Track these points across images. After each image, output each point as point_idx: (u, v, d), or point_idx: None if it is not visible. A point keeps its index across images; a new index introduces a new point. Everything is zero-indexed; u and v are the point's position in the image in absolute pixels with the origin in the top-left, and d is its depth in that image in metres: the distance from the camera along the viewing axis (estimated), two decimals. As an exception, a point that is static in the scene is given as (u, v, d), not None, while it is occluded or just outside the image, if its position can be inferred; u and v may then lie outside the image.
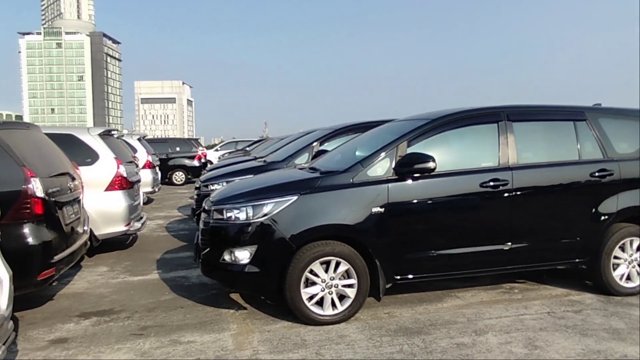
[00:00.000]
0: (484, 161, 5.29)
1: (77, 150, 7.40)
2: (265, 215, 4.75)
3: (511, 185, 5.12)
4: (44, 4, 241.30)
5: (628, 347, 4.15)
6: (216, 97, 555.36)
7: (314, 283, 4.75)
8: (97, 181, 7.43)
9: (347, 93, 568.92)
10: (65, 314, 5.26)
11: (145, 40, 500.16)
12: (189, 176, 22.40)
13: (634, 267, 5.48)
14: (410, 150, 5.05)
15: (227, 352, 4.23)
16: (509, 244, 5.16)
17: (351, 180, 4.89)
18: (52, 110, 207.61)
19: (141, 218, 8.49)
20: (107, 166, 7.64)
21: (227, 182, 7.84)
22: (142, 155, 14.32)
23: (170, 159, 22.42)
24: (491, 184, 5.09)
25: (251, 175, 7.38)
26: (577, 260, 5.42)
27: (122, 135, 13.34)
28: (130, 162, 9.21)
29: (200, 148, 24.50)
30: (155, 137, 34.62)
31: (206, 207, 5.37)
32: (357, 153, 5.58)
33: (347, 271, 4.79)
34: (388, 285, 4.96)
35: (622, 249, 5.45)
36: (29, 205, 4.80)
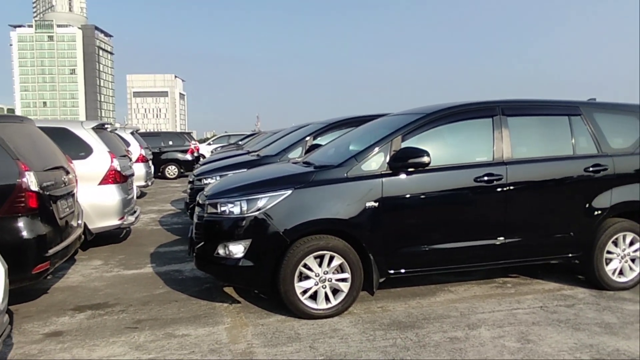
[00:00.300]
0: (478, 156, 5.30)
1: (70, 144, 7.36)
2: (259, 209, 4.75)
3: (505, 180, 5.13)
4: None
5: (620, 342, 4.18)
6: (209, 91, 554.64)
7: (307, 277, 4.76)
8: (90, 175, 7.40)
9: (340, 87, 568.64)
10: (60, 307, 5.25)
11: (137, 34, 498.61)
12: (182, 170, 22.37)
13: (626, 261, 5.51)
14: (404, 144, 5.05)
15: (221, 345, 4.24)
16: (503, 238, 5.19)
17: (345, 175, 4.89)
18: (44, 103, 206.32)
19: (135, 212, 8.48)
20: (100, 160, 7.61)
21: (220, 176, 7.84)
22: (135, 149, 14.28)
23: (163, 152, 22.37)
24: (485, 178, 5.10)
25: (245, 170, 7.38)
26: (570, 255, 5.45)
27: (116, 129, 13.30)
28: (124, 155, 9.19)
29: (193, 142, 24.46)
30: (148, 130, 34.46)
31: (200, 201, 5.36)
32: (351, 147, 5.60)
33: (340, 265, 4.81)
34: (381, 280, 4.97)
35: (615, 243, 5.49)
36: (23, 199, 4.78)
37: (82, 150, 7.57)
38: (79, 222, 6.20)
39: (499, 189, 5.14)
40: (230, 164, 8.84)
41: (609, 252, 5.46)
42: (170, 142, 23.02)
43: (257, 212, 4.75)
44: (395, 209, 4.93)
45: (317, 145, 7.55)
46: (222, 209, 4.92)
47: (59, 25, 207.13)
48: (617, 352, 3.99)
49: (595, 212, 5.38)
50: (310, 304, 4.78)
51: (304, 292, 4.77)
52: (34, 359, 4.06)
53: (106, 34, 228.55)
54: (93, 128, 7.95)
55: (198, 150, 24.49)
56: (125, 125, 25.75)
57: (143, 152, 14.72)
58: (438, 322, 4.65)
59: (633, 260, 5.53)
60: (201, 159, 20.16)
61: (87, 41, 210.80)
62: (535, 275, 6.01)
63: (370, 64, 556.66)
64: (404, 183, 4.94)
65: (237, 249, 4.79)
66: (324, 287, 4.79)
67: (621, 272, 5.51)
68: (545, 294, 5.42)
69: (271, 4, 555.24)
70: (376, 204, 4.84)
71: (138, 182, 13.32)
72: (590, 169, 5.39)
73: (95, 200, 7.35)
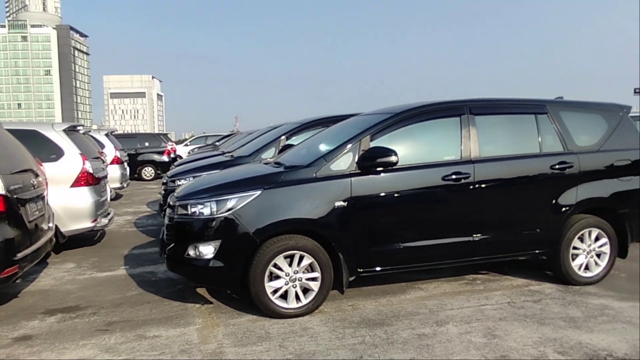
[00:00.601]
0: (446, 154, 5.37)
1: (41, 147, 7.30)
2: (229, 210, 4.77)
3: (473, 178, 5.21)
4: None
5: (583, 335, 4.28)
6: (187, 92, 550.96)
7: (278, 277, 4.79)
8: (62, 177, 7.35)
9: (320, 87, 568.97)
10: (30, 311, 5.21)
11: (113, 34, 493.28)
12: (159, 171, 22.21)
13: (592, 257, 5.63)
14: (373, 144, 5.10)
15: (191, 345, 4.25)
16: (471, 236, 5.26)
17: (314, 175, 4.93)
18: (19, 105, 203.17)
19: (108, 214, 8.43)
20: (72, 162, 7.55)
21: (193, 177, 7.82)
22: (110, 151, 14.17)
23: (139, 154, 22.22)
24: (453, 177, 5.17)
25: (218, 171, 7.38)
26: (537, 251, 5.55)
27: (89, 131, 13.21)
28: (97, 157, 9.13)
29: (170, 143, 24.31)
30: (126, 132, 34.19)
31: (171, 203, 5.36)
32: (322, 147, 5.63)
33: (310, 265, 4.84)
34: (351, 279, 5.03)
35: (581, 239, 5.60)
36: (-10, 203, 4.74)
37: (53, 152, 7.50)
38: (50, 225, 6.15)
39: (466, 187, 5.21)
40: (204, 165, 8.83)
41: (575, 248, 5.57)
42: (147, 144, 22.87)
43: (227, 213, 4.77)
44: (364, 208, 4.97)
45: (290, 146, 7.57)
46: (192, 210, 4.93)
47: (32, 26, 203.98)
48: (579, 345, 4.08)
49: (562, 209, 5.48)
50: (280, 303, 4.81)
51: (275, 291, 4.80)
52: (2, 363, 4.05)
53: (81, 34, 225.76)
54: (64, 130, 7.88)
55: (175, 151, 24.33)
56: (102, 126, 25.57)
57: (118, 153, 14.62)
58: (407, 320, 4.71)
59: (598, 256, 5.66)
60: (178, 160, 20.06)
61: (62, 41, 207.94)
62: (505, 271, 6.10)
63: (352, 62, 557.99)
64: (373, 182, 4.99)
65: (207, 250, 4.80)
66: (295, 287, 4.83)
67: (587, 267, 5.63)
68: (514, 289, 5.52)
69: (250, 3, 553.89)
70: (345, 204, 4.88)
71: (113, 184, 13.25)
72: (557, 166, 5.49)
73: (67, 202, 7.30)
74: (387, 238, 5.09)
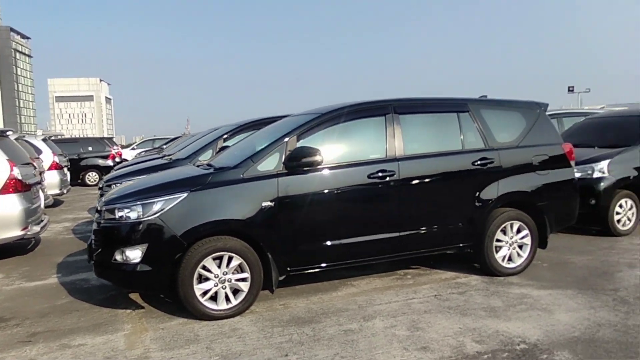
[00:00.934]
0: (372, 153, 5.48)
1: (-34, 153, 7.10)
2: (155, 213, 4.75)
3: (398, 175, 5.33)
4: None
5: (501, 324, 4.45)
6: (137, 94, 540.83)
7: (207, 279, 4.81)
8: (-11, 185, 7.15)
9: (274, 88, 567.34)
10: (-50, 324, 5.07)
11: (57, 35, 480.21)
12: (103, 176, 21.77)
13: (514, 248, 5.85)
14: (300, 144, 5.17)
15: (117, 352, 4.22)
16: (398, 232, 5.39)
17: (241, 176, 4.96)
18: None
19: (41, 221, 8.24)
20: (-2, 169, 7.34)
21: (129, 181, 7.73)
22: (48, 156, 13.81)
23: (83, 159, 21.78)
24: (379, 174, 5.28)
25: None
26: (462, 244, 5.72)
27: (23, 136, 12.87)
28: (28, 163, 8.88)
29: (115, 147, 23.87)
30: (65, 137, 33.39)
31: (98, 207, 5.31)
32: (252, 148, 5.65)
33: (240, 265, 4.87)
34: (281, 278, 5.08)
35: (504, 232, 5.81)
36: None
37: (-22, 159, 7.29)
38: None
39: (392, 185, 5.33)
40: (140, 168, 8.73)
41: (498, 240, 5.77)
42: (90, 148, 22.42)
43: (154, 216, 4.75)
44: (291, 208, 5.03)
45: (226, 147, 7.57)
46: (119, 214, 4.88)
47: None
48: (496, 334, 4.24)
49: (484, 203, 5.67)
50: (210, 305, 4.82)
51: (204, 293, 4.81)
52: None
53: (23, 36, 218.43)
54: (-9, 136, 7.68)
55: (120, 155, 23.90)
56: (48, 131, 24.90)
57: (56, 159, 14.25)
58: (335, 316, 4.79)
59: (520, 247, 5.88)
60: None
61: (3, 43, 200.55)
62: (436, 265, 6.26)
63: (304, 63, 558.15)
64: (300, 182, 5.05)
65: (135, 254, 4.77)
66: (224, 288, 4.85)
67: (510, 259, 5.84)
68: (442, 283, 5.67)
69: (198, 1, 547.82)
70: (272, 204, 4.93)
71: (52, 190, 12.96)
72: (478, 162, 5.68)
73: (-6, 210, 7.10)
74: (315, 237, 5.16)
